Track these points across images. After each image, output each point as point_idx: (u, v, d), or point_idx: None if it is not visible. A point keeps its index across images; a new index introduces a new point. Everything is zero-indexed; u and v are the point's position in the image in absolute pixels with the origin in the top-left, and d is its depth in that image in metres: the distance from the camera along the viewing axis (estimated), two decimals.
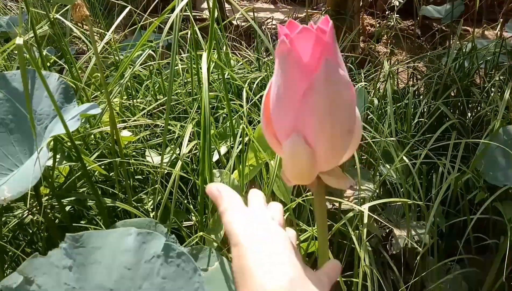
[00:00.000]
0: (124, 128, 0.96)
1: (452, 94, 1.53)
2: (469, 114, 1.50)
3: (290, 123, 0.31)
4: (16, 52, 1.16)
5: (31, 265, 0.46)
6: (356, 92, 1.34)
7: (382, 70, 1.55)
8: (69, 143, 0.87)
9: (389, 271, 1.18)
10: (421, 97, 1.61)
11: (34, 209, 0.78)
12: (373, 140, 1.17)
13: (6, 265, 0.82)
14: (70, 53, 1.01)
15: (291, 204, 0.86)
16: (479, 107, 1.49)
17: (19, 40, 0.50)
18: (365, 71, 1.68)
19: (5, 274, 0.75)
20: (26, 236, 0.85)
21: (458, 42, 1.59)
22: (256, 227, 0.31)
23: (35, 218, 0.79)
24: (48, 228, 0.80)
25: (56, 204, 0.83)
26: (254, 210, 0.35)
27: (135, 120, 0.96)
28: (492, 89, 1.43)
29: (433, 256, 1.13)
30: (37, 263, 0.46)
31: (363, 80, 1.58)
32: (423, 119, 1.41)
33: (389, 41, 2.91)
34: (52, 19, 0.83)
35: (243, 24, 2.55)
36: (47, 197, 0.80)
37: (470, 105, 1.55)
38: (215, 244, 0.81)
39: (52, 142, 0.67)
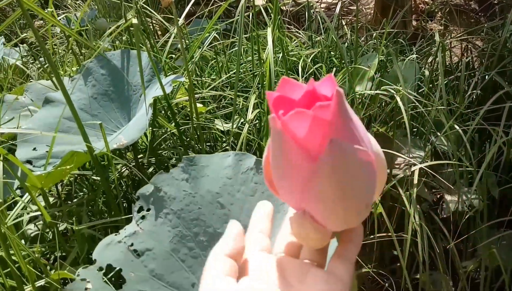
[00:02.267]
0: (196, 100, 1.11)
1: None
2: None
3: (296, 202, 0.26)
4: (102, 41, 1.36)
5: (158, 178, 0.63)
6: (407, 65, 1.39)
7: (434, 45, 1.57)
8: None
9: (440, 234, 1.23)
10: (476, 69, 1.60)
11: (131, 164, 0.95)
12: (425, 109, 1.22)
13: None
14: (153, 36, 1.18)
15: None
16: None
17: (135, 20, 0.65)
18: (417, 46, 1.70)
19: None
20: (122, 191, 1.04)
21: None
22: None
23: (131, 172, 0.97)
24: (141, 181, 0.98)
25: (146, 163, 1.00)
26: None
27: (208, 92, 1.11)
28: None
29: (483, 221, 1.16)
30: (162, 177, 0.63)
31: (415, 54, 1.61)
32: (476, 91, 1.42)
33: (443, 18, 2.84)
34: (140, 8, 0.99)
35: (291, 9, 2.63)
36: (141, 155, 0.98)
37: None
38: None
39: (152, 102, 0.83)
